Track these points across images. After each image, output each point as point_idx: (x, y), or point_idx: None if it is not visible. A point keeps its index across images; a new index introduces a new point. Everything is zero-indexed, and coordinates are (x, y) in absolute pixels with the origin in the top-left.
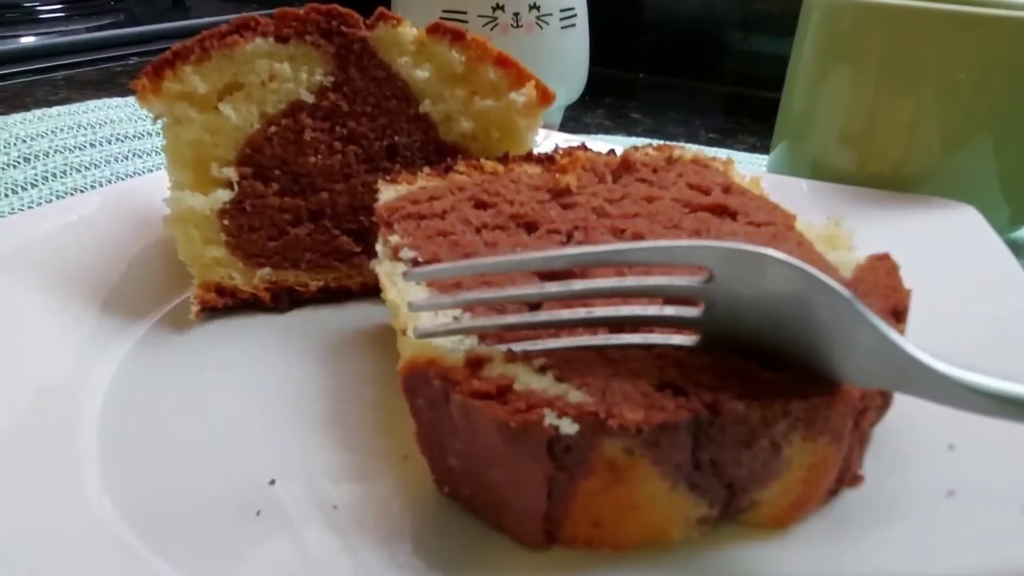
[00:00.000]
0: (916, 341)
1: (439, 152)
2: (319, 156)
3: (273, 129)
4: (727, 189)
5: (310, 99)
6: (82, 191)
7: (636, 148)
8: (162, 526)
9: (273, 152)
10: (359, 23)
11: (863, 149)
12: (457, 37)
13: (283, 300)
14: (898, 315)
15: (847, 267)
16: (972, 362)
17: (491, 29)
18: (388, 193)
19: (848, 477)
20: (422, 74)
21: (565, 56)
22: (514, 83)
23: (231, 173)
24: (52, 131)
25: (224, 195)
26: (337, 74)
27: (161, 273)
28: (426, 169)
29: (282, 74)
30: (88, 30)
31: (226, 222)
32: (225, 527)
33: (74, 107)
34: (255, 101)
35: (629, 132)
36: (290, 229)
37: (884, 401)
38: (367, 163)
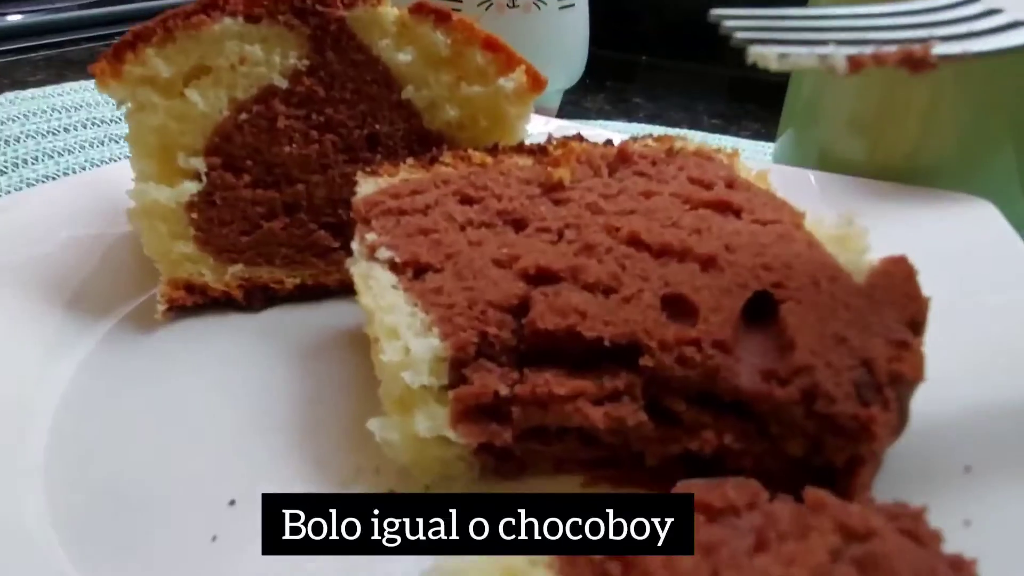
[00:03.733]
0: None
1: (423, 141)
2: (294, 145)
3: (244, 116)
4: (731, 184)
5: (283, 84)
6: (54, 178)
7: (635, 139)
8: (106, 557)
9: (244, 141)
10: (336, 2)
11: (874, 138)
12: (442, 18)
13: (257, 298)
14: (915, 327)
15: (860, 271)
16: (991, 367)
17: (486, 9)
18: (367, 186)
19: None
20: (404, 57)
21: (564, 38)
22: (503, 68)
23: (199, 163)
24: (24, 115)
25: (191, 187)
26: (312, 57)
27: (127, 269)
28: (409, 160)
29: (253, 57)
30: (80, 7)
31: (194, 215)
32: (175, 556)
33: (48, 89)
34: (224, 86)
35: (630, 117)
36: (263, 223)
37: (900, 422)
38: (346, 153)
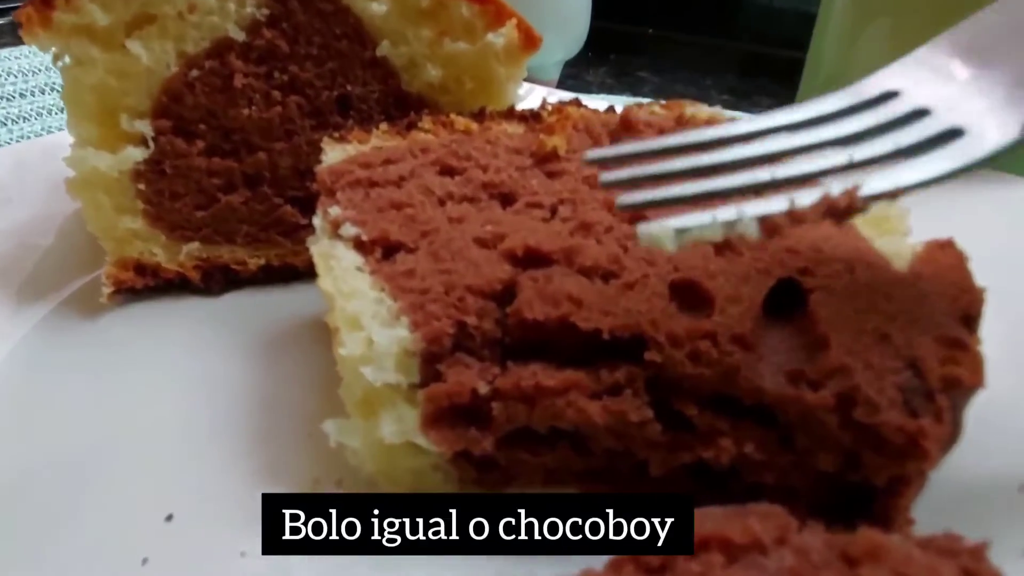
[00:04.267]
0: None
1: (401, 105)
2: (253, 108)
3: (195, 73)
4: None
5: (240, 36)
6: (7, 144)
7: (640, 105)
8: None
9: (196, 102)
10: None
11: None
12: None
13: (216, 281)
14: (969, 321)
15: (901, 257)
16: None
17: None
18: (334, 154)
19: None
20: (379, 8)
21: (564, 5)
22: (492, 22)
23: (145, 127)
24: None
25: (136, 153)
26: (273, 6)
27: (73, 246)
28: (383, 126)
29: (204, 4)
30: None
31: (142, 187)
32: None
33: (4, 52)
34: (171, 38)
35: (634, 91)
36: (221, 196)
37: (952, 435)
38: (314, 117)
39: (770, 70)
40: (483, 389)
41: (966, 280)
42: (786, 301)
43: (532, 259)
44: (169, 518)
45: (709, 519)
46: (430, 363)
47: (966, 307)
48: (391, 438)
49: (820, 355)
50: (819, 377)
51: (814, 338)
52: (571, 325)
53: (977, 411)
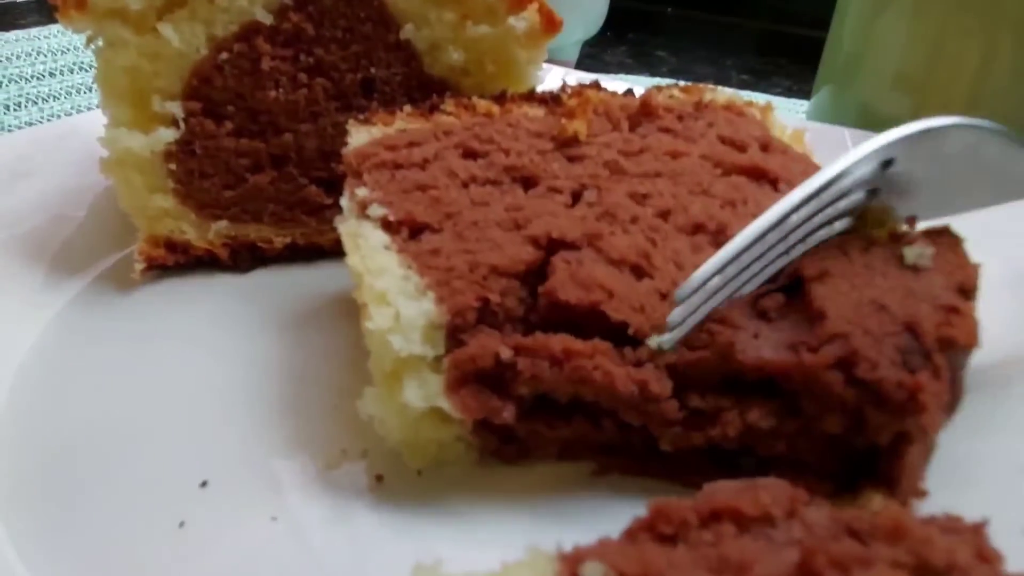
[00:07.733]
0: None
1: (423, 88)
2: (280, 90)
3: (224, 56)
4: (766, 146)
5: (268, 20)
6: (39, 124)
7: (659, 89)
8: (53, 543)
9: (225, 84)
10: None
11: (922, 95)
12: None
13: (243, 258)
14: (966, 292)
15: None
16: None
17: None
18: (360, 136)
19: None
20: None
21: None
22: (514, 6)
23: (175, 108)
24: (6, 58)
25: (168, 134)
26: None
27: (105, 223)
28: (407, 108)
29: None
30: None
31: (172, 166)
32: (136, 544)
33: (33, 31)
34: (201, 21)
35: (652, 72)
36: (249, 176)
37: (953, 397)
38: (338, 99)
39: (789, 50)
40: (505, 354)
41: (962, 258)
42: (784, 285)
43: (558, 243)
44: (204, 484)
45: (721, 492)
46: (455, 335)
47: (962, 280)
48: (416, 402)
49: (818, 326)
50: (818, 344)
51: (812, 313)
52: (601, 313)
53: (980, 390)
